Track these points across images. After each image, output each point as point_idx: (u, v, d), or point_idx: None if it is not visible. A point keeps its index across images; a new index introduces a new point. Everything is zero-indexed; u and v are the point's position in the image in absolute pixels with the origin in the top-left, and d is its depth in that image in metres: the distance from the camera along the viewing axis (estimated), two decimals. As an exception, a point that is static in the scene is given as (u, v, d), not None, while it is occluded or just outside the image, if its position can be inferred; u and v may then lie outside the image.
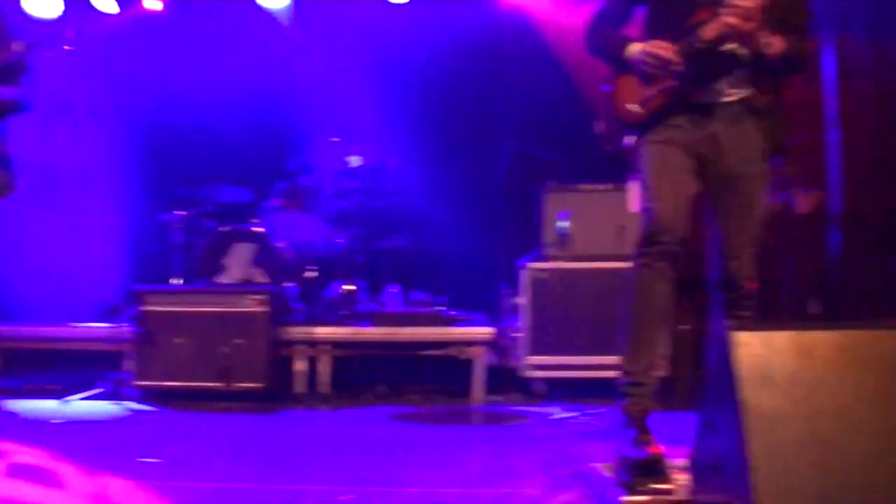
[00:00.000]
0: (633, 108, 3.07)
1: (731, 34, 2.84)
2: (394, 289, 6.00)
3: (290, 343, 5.28)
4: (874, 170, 5.88)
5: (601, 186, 5.38)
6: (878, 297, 5.53)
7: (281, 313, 5.29)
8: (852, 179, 5.96)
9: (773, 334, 2.11)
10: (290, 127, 6.49)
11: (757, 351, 2.09)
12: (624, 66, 3.10)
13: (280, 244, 5.71)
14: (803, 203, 5.78)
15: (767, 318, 3.18)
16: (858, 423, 1.97)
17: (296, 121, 6.48)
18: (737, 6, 2.79)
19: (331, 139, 6.04)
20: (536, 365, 5.11)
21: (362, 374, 5.45)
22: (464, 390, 5.23)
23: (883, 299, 5.48)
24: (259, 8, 6.70)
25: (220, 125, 6.51)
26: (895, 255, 5.67)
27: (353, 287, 5.79)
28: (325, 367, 5.28)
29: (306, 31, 6.77)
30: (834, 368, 2.05)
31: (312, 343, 5.31)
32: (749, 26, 2.79)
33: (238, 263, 5.57)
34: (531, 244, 5.48)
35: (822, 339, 2.10)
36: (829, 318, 5.44)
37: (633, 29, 3.25)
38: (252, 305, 4.99)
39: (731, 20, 2.80)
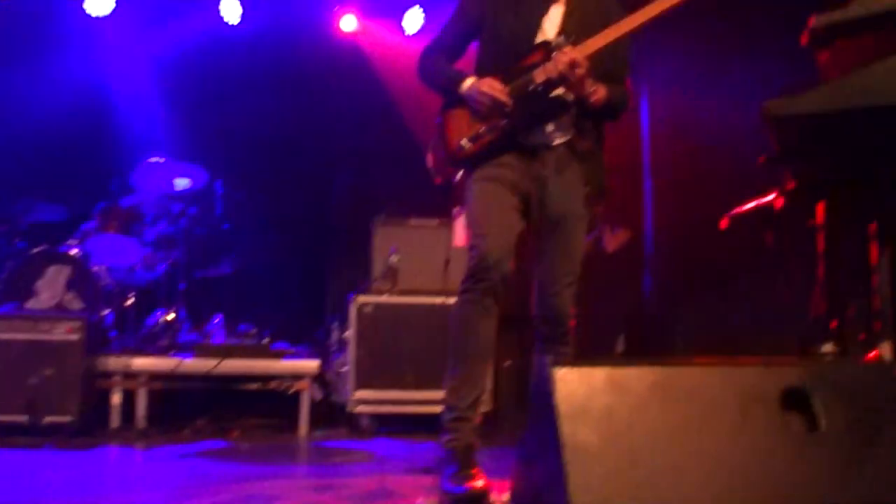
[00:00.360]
0: (464, 143, 3.14)
1: (560, 80, 2.97)
2: (217, 319, 5.84)
3: (106, 374, 5.02)
4: (680, 216, 6.27)
5: (429, 221, 5.47)
6: (685, 336, 5.88)
7: (96, 342, 5.03)
8: (661, 224, 6.34)
9: (591, 370, 2.19)
10: (114, 145, 6.23)
11: (575, 386, 2.15)
12: (456, 98, 3.17)
13: (97, 268, 5.44)
14: (610, 241, 6.07)
15: (580, 354, 3.31)
16: (670, 456, 2.08)
17: (120, 138, 6.23)
18: (565, 54, 2.92)
19: (155, 160, 5.83)
20: (363, 400, 5.09)
21: (182, 407, 5.24)
22: (289, 425, 5.13)
23: (690, 337, 5.83)
24: (84, 14, 6.41)
25: (35, 138, 6.15)
26: (698, 297, 6.05)
27: (173, 316, 5.58)
28: (142, 401, 5.04)
29: (134, 42, 6.54)
30: (647, 403, 2.15)
31: (129, 375, 5.06)
32: (576, 74, 2.93)
33: (50, 288, 5.25)
34: (361, 277, 5.48)
35: (636, 375, 2.19)
36: (637, 356, 5.73)
37: (464, 62, 3.34)
38: (64, 333, 4.71)
39: (561, 67, 2.92)
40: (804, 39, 2.70)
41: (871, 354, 2.51)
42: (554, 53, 2.97)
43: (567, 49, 2.93)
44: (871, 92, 2.39)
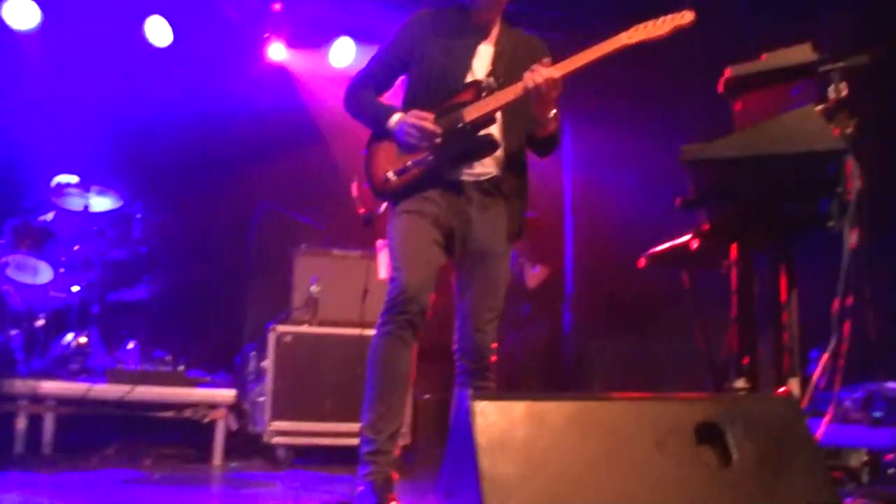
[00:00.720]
0: (390, 176, 3.15)
1: (535, 94, 2.96)
2: (132, 344, 5.69)
3: (11, 397, 4.83)
4: (599, 254, 6.40)
5: (351, 253, 5.45)
6: (603, 371, 5.98)
7: (2, 364, 4.86)
8: (581, 262, 6.46)
9: (510, 404, 2.22)
10: (30, 160, 6.05)
11: (495, 419, 2.18)
12: (384, 132, 3.19)
13: (5, 287, 5.26)
14: (531, 278, 6.16)
15: (500, 388, 3.35)
16: (587, 488, 2.11)
17: (37, 155, 6.05)
18: (547, 70, 2.93)
19: (73, 178, 5.67)
20: (279, 431, 5.00)
21: (93, 434, 5.08)
22: (204, 455, 5.02)
23: (608, 373, 5.93)
24: (5, 27, 6.25)
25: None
26: (617, 333, 6.18)
27: (85, 340, 5.42)
28: (49, 426, 4.87)
29: (57, 59, 6.38)
30: (565, 436, 2.19)
31: (36, 399, 4.89)
32: (552, 94, 2.95)
33: (-45, 306, 5.07)
34: (281, 306, 5.43)
35: (553, 409, 2.23)
36: (556, 390, 5.81)
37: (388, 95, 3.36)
38: (-32, 354, 4.55)
39: (541, 81, 2.92)
40: (720, 88, 2.81)
41: (781, 390, 2.60)
42: (532, 71, 2.96)
43: (547, 69, 2.93)
44: (780, 140, 2.50)
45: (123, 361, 5.54)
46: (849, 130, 2.56)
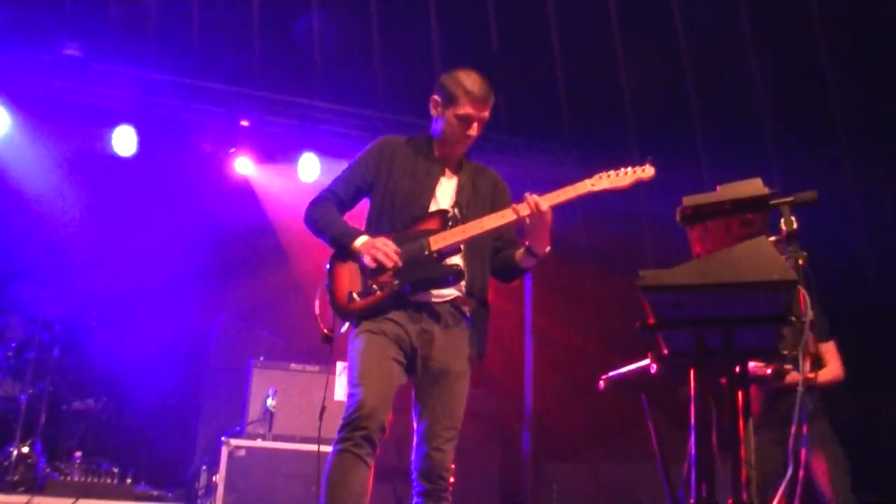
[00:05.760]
0: (354, 296, 3.16)
1: (532, 222, 3.07)
2: (78, 455, 5.51)
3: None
4: (562, 385, 6.40)
5: (310, 367, 5.41)
6: (559, 495, 5.89)
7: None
8: (543, 390, 6.44)
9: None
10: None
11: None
12: (348, 252, 3.21)
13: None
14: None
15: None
16: None
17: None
18: (542, 203, 3.05)
19: (23, 282, 5.60)
20: (227, 548, 4.84)
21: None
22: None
23: (564, 498, 5.85)
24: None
25: None
26: (574, 454, 6.13)
27: (27, 449, 5.24)
28: (-17, 542, 4.67)
29: (14, 164, 6.37)
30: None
31: (-28, 512, 4.70)
32: (547, 221, 3.05)
33: None
34: (235, 419, 5.33)
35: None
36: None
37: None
38: None
39: (544, 209, 3.03)
40: (677, 218, 2.90)
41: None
42: (522, 202, 3.08)
43: (538, 201, 3.06)
44: (734, 269, 2.57)
45: (68, 473, 5.36)
46: (800, 262, 2.63)
